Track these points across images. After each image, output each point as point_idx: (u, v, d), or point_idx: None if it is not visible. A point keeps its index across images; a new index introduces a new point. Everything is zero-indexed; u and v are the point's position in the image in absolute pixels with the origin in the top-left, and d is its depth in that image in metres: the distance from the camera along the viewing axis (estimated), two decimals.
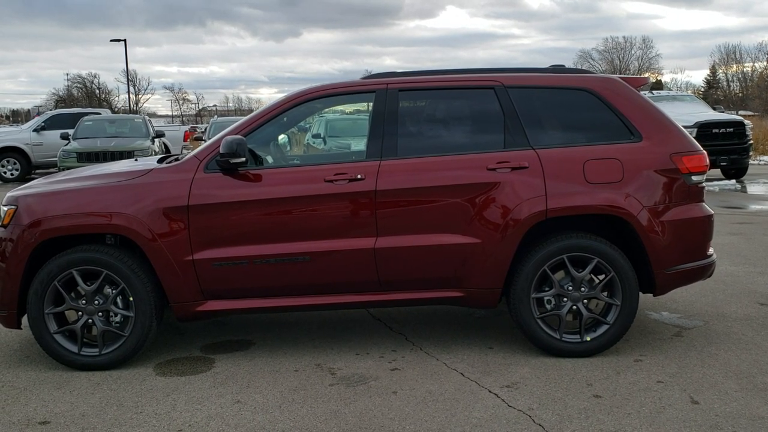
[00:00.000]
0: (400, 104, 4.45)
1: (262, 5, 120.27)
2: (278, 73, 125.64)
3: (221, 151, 4.19)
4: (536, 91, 4.48)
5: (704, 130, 14.01)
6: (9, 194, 4.51)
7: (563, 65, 4.86)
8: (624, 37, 72.15)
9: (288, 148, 8.97)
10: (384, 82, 4.52)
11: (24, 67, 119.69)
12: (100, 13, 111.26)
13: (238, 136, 4.24)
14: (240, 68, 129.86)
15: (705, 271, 4.54)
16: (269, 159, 4.79)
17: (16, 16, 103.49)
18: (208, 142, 4.54)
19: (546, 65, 4.88)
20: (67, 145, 15.50)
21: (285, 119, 4.70)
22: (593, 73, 4.85)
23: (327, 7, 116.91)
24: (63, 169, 14.06)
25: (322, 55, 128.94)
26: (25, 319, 4.37)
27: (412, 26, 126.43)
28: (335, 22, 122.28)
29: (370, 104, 4.55)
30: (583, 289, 4.30)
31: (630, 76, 4.79)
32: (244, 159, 4.21)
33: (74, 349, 4.29)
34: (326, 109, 10.05)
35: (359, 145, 7.50)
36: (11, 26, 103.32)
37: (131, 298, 4.24)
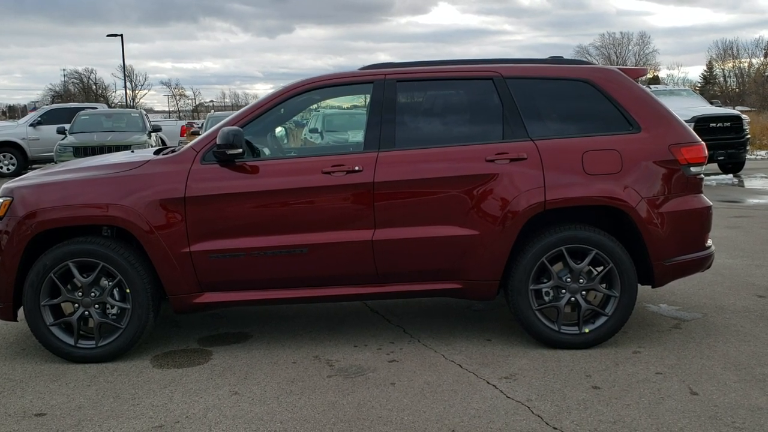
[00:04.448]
0: (398, 95, 4.43)
1: (254, 1, 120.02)
2: (272, 68, 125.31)
3: (218, 142, 4.17)
4: (535, 82, 4.46)
5: (701, 125, 13.98)
6: (5, 186, 4.48)
7: (561, 56, 4.84)
8: (621, 33, 72.29)
9: (285, 141, 8.96)
10: (382, 72, 4.49)
11: (18, 63, 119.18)
12: (92, 9, 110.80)
13: (235, 127, 4.21)
14: (234, 64, 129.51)
15: (703, 263, 4.53)
16: (266, 151, 4.77)
17: (8, 13, 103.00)
18: (205, 133, 4.52)
19: None
20: (63, 139, 15.44)
21: (282, 110, 4.68)
22: (592, 64, 4.83)
23: (319, 4, 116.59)
24: (59, 164, 14.00)
25: (315, 51, 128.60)
26: (21, 312, 4.35)
27: (404, 22, 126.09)
28: (327, 18, 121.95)
29: (368, 96, 4.53)
30: (581, 280, 4.28)
31: (628, 67, 4.78)
32: (240, 150, 4.18)
33: (70, 341, 4.26)
34: (323, 104, 10.03)
35: (356, 138, 7.48)
36: (3, 23, 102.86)
37: (128, 290, 4.22)
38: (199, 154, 4.30)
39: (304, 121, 13.33)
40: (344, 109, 13.38)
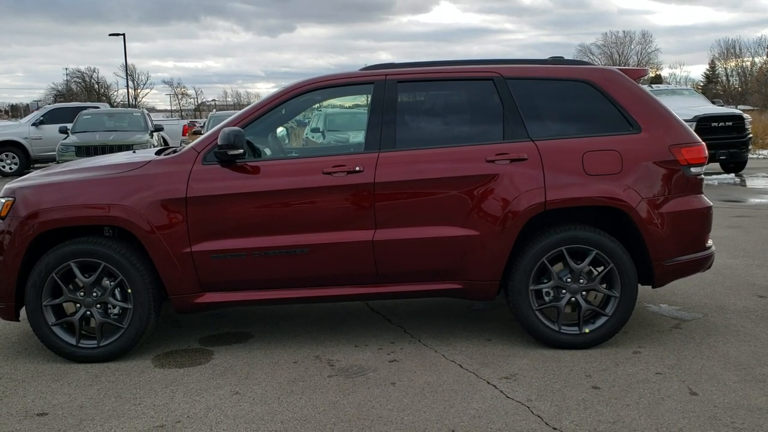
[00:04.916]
0: (398, 96, 4.44)
1: (255, 1, 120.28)
2: (274, 67, 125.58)
3: (219, 143, 4.18)
4: (535, 83, 4.46)
5: (703, 124, 13.99)
6: (6, 186, 4.50)
7: (562, 57, 4.85)
8: (624, 32, 72.22)
9: (287, 141, 8.97)
10: (383, 73, 4.50)
11: (19, 62, 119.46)
12: (93, 8, 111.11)
13: (236, 128, 4.22)
14: (236, 63, 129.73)
15: (704, 263, 4.53)
16: (267, 151, 4.78)
17: (9, 12, 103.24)
18: (206, 133, 4.53)
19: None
20: (65, 139, 15.47)
21: (283, 111, 4.69)
22: (592, 64, 4.83)
23: (320, 3, 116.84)
24: (61, 163, 14.03)
25: (317, 50, 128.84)
26: (23, 312, 4.37)
27: (405, 21, 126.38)
28: (329, 17, 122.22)
29: (369, 96, 4.54)
30: (581, 281, 4.29)
31: (629, 67, 4.79)
32: (241, 151, 4.20)
33: (72, 341, 4.28)
34: (325, 103, 10.04)
35: (358, 137, 7.49)
36: (4, 22, 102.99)
37: (129, 290, 4.23)
38: (200, 155, 4.32)
39: (306, 120, 13.34)
40: (346, 108, 13.39)
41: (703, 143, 4.48)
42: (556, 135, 4.35)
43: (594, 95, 4.40)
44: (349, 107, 13.31)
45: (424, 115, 4.64)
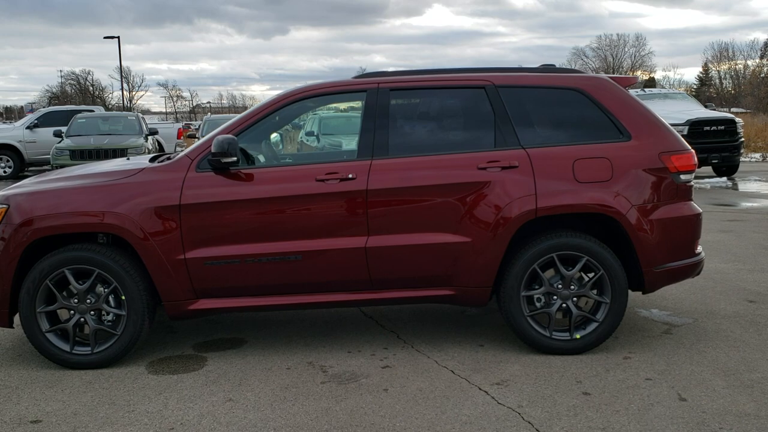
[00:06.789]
0: (391, 103, 4.48)
1: (248, 3, 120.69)
2: (269, 70, 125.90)
3: (212, 151, 4.21)
4: (526, 91, 4.50)
5: (695, 128, 14.08)
6: (0, 193, 4.51)
7: (553, 65, 4.89)
8: (617, 35, 72.50)
9: (280, 146, 9.00)
10: (375, 81, 4.53)
11: (13, 65, 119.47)
12: (87, 11, 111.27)
13: (230, 136, 4.25)
14: (230, 65, 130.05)
15: (693, 269, 4.58)
16: (261, 158, 4.81)
17: (2, 14, 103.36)
18: (200, 141, 4.56)
19: (536, 63, 4.92)
20: (60, 142, 15.46)
21: (277, 118, 4.72)
22: (583, 72, 4.88)
23: (313, 5, 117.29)
24: (56, 167, 14.04)
25: (311, 53, 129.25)
26: (17, 318, 4.38)
27: (399, 24, 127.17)
28: (322, 20, 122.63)
29: (362, 104, 4.57)
30: (572, 287, 4.33)
31: (619, 75, 4.83)
32: (235, 158, 4.22)
33: (66, 347, 4.30)
34: (320, 107, 10.08)
35: (352, 143, 7.52)
36: None
37: (123, 297, 4.25)
38: (194, 162, 4.34)
39: (302, 123, 13.37)
40: (341, 111, 13.43)
41: (692, 151, 4.53)
42: (547, 142, 4.40)
43: (584, 103, 4.45)
44: (344, 110, 13.35)
45: (416, 123, 4.67)
